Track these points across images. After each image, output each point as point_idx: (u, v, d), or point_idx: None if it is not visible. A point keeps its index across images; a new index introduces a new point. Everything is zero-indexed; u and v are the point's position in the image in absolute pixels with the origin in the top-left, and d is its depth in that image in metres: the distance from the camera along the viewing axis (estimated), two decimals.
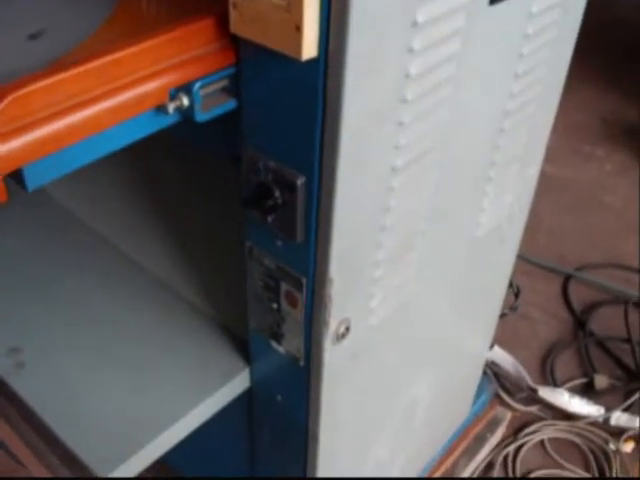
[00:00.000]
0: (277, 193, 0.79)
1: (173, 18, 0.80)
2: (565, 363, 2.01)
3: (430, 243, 1.00)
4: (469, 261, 1.18)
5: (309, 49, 0.67)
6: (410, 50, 0.74)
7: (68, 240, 1.31)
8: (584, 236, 2.40)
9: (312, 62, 0.69)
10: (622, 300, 2.16)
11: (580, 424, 1.84)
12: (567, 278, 2.25)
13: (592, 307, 2.17)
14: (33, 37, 0.78)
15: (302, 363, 0.96)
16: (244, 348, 1.09)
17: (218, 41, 0.75)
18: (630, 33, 3.59)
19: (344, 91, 0.70)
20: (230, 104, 0.79)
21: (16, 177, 0.67)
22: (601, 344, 2.07)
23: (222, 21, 0.74)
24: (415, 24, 0.72)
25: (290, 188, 0.78)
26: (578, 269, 2.28)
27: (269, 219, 0.82)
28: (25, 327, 1.14)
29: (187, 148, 1.40)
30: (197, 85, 0.74)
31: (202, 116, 0.76)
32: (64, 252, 1.28)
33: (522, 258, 2.11)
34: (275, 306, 0.93)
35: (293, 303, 0.90)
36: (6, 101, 0.61)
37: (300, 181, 0.77)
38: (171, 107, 0.73)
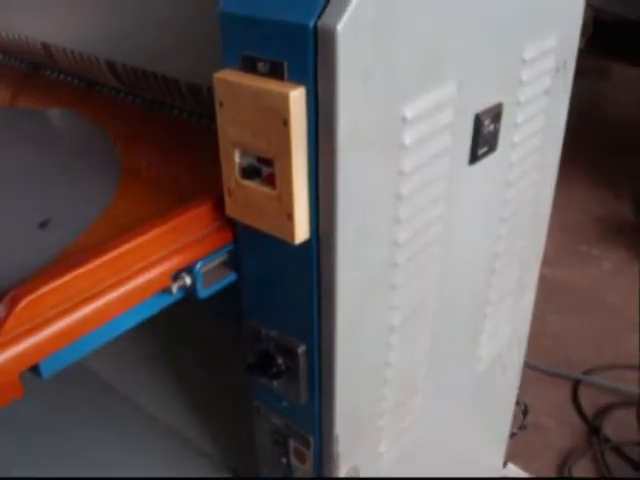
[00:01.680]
0: (280, 360, 0.83)
1: (170, 200, 0.85)
2: (582, 472, 1.99)
3: (432, 385, 1.03)
4: (473, 392, 1.20)
5: (301, 234, 0.71)
6: (397, 220, 0.78)
7: (82, 393, 1.34)
8: (589, 338, 2.41)
9: (305, 242, 0.73)
10: (634, 401, 2.15)
11: None
12: (576, 382, 2.25)
13: (604, 411, 2.15)
14: (42, 225, 0.83)
15: None
16: None
17: (216, 222, 0.80)
18: (614, 129, 3.69)
19: (337, 265, 0.74)
20: (230, 277, 0.83)
21: (32, 369, 0.70)
22: (617, 449, 2.05)
23: (218, 204, 0.79)
24: (400, 197, 0.77)
25: (292, 356, 0.81)
26: (586, 372, 2.28)
27: (274, 383, 0.85)
28: None
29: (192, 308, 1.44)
30: (198, 265, 0.78)
31: (204, 292, 0.80)
32: (79, 406, 1.31)
33: (529, 366, 2.12)
34: (284, 461, 0.95)
35: (302, 459, 0.92)
36: (20, 306, 0.65)
37: (301, 349, 0.80)
38: (174, 288, 0.77)
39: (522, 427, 1.71)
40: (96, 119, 1.10)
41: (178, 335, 1.47)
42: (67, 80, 1.24)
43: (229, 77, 0.69)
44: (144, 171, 0.98)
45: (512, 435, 1.59)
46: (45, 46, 1.11)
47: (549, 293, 2.34)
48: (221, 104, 0.71)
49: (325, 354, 0.80)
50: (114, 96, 1.17)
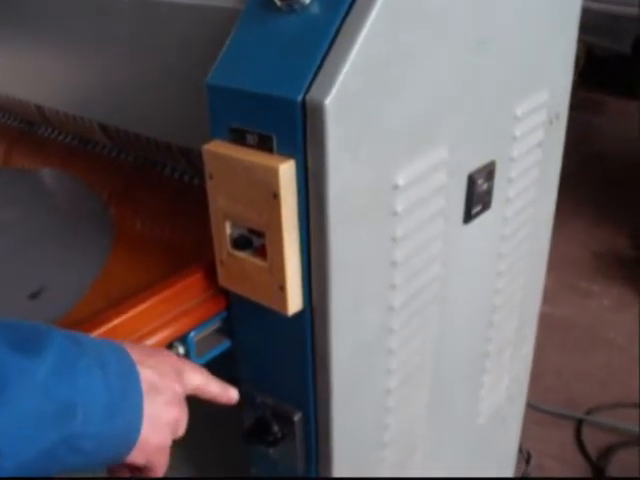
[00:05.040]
0: (276, 428, 0.81)
1: (163, 264, 0.85)
2: None
3: (431, 443, 1.01)
4: (473, 445, 1.19)
5: (294, 305, 0.71)
6: (392, 286, 0.78)
7: None
8: (591, 376, 2.38)
9: (299, 312, 0.72)
10: (638, 441, 2.13)
11: None
12: (579, 422, 2.22)
13: (609, 451, 2.13)
14: (33, 296, 0.83)
15: None
16: None
17: (209, 290, 0.79)
18: (611, 163, 3.70)
19: (331, 334, 0.73)
20: (225, 344, 0.82)
21: None
22: None
23: (211, 272, 0.78)
24: (394, 263, 0.77)
25: (288, 423, 0.80)
26: (589, 412, 2.25)
27: (270, 451, 0.84)
28: None
29: None
30: (192, 335, 0.77)
31: (198, 361, 0.79)
32: None
33: (531, 406, 2.09)
34: None
35: None
36: None
37: (297, 417, 0.79)
38: None
39: (525, 475, 1.69)
40: (89, 178, 1.10)
41: None
42: (60, 138, 1.24)
43: (218, 149, 0.69)
44: (137, 232, 0.97)
45: None
46: (39, 108, 1.12)
47: (550, 331, 2.32)
48: (211, 176, 0.71)
49: (321, 421, 0.79)
50: (107, 154, 1.16)
